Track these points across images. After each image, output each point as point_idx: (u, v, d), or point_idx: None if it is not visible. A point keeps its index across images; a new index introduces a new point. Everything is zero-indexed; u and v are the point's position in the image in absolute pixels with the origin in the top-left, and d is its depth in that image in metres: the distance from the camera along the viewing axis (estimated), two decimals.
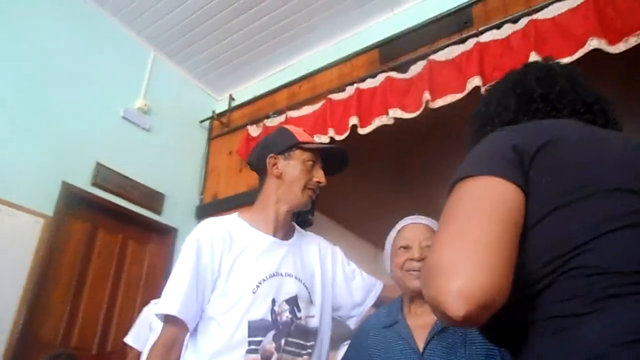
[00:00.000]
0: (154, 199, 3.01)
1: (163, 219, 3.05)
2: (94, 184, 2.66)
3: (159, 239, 3.06)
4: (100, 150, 2.74)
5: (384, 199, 4.45)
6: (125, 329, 2.39)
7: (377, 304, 1.39)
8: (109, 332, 2.62)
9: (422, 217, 1.32)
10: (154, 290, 2.70)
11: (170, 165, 3.22)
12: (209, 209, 3.22)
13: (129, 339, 2.28)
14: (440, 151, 3.73)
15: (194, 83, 3.60)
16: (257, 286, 1.16)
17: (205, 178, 3.45)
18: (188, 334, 1.17)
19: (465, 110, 2.22)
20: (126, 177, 2.85)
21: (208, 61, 3.42)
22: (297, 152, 1.27)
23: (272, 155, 1.29)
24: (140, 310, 2.45)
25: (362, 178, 4.06)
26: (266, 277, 1.18)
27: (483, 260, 0.52)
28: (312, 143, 1.28)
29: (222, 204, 3.15)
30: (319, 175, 1.25)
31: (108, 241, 2.77)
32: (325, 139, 2.63)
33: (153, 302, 2.43)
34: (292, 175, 1.25)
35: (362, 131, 2.51)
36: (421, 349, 1.16)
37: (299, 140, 1.27)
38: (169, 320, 1.14)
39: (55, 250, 2.43)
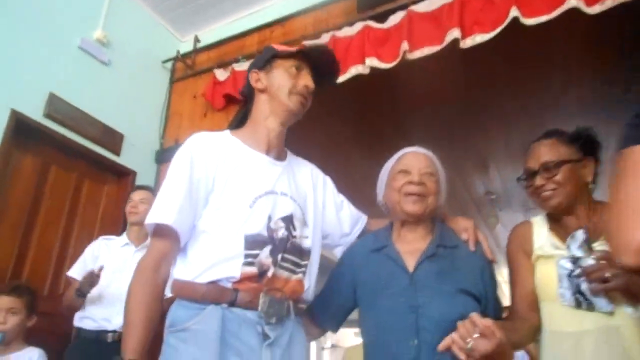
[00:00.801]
0: (112, 138, 2.86)
1: (121, 160, 2.91)
2: (47, 116, 2.48)
3: (116, 181, 2.93)
4: (53, 80, 2.55)
5: (349, 159, 4.47)
6: None
7: (361, 237, 1.42)
8: (62, 274, 2.50)
9: (422, 148, 1.34)
10: (110, 232, 2.59)
11: (130, 104, 3.05)
12: (169, 153, 3.10)
13: (73, 272, 2.18)
14: (408, 116, 3.77)
15: (158, 20, 3.39)
16: (254, 201, 1.13)
17: (167, 121, 3.30)
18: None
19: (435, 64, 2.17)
20: (82, 112, 2.68)
21: None
22: (278, 62, 1.24)
23: (253, 70, 1.25)
24: None
25: (327, 137, 4.04)
26: (262, 193, 1.15)
27: None
28: (291, 50, 1.24)
29: None
30: (306, 80, 1.22)
31: (61, 179, 2.62)
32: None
33: (102, 237, 2.34)
34: (275, 84, 1.22)
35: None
36: (412, 270, 1.18)
37: (278, 50, 1.23)
38: (160, 232, 1.10)
39: (2, 184, 2.27)
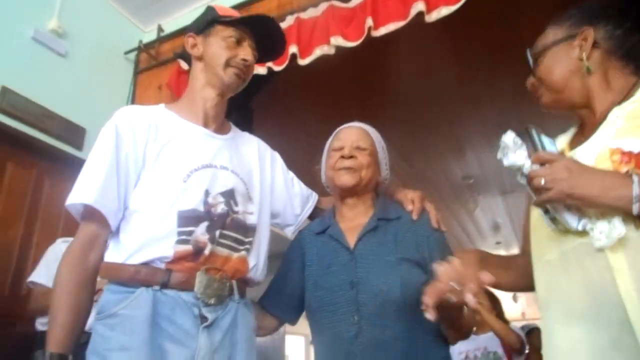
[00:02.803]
0: (73, 133, 2.74)
1: (84, 155, 2.78)
2: (0, 110, 2.35)
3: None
4: (4, 72, 2.42)
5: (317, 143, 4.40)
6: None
7: (312, 217, 1.37)
8: (24, 273, 2.38)
9: (359, 123, 1.32)
10: (75, 231, 2.48)
11: (92, 97, 2.93)
12: None
13: (37, 277, 2.08)
14: (376, 101, 3.73)
15: (118, 9, 3.27)
16: (188, 175, 1.06)
17: None
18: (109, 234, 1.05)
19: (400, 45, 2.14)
20: (40, 106, 2.56)
21: None
22: (218, 28, 1.15)
23: (190, 34, 1.17)
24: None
25: (295, 121, 3.98)
26: (198, 167, 1.08)
27: None
28: (233, 17, 1.16)
29: None
30: (245, 53, 1.15)
31: (20, 176, 2.50)
32: (262, 70, 2.50)
33: (60, 240, 2.23)
34: (212, 53, 1.14)
35: (302, 62, 2.40)
36: (352, 245, 1.16)
37: (219, 14, 1.15)
38: (86, 215, 1.02)
39: None
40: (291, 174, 1.36)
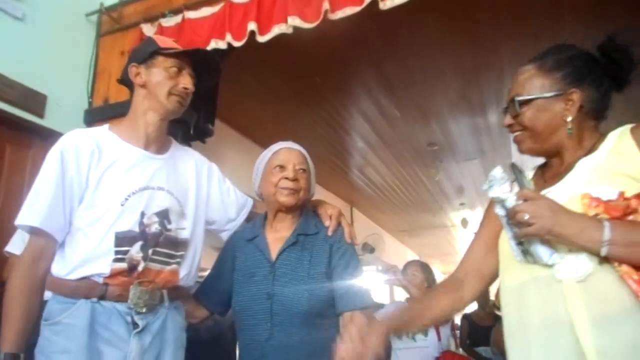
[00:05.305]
0: (33, 100, 2.74)
1: (46, 122, 2.81)
2: None
3: (42, 144, 2.83)
4: None
5: (288, 112, 4.47)
6: (8, 239, 2.29)
7: (248, 219, 1.49)
8: None
9: (295, 144, 1.44)
10: None
11: (52, 62, 2.91)
12: (98, 113, 3.02)
13: (11, 247, 2.19)
14: (346, 70, 3.77)
15: None
16: (126, 199, 1.18)
17: (95, 79, 3.18)
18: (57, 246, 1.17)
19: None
20: None
21: None
22: (160, 59, 1.25)
23: (133, 64, 1.26)
24: None
25: (266, 91, 4.02)
26: (136, 190, 1.20)
27: None
28: (173, 48, 1.25)
29: (114, 108, 2.96)
30: (185, 81, 1.25)
31: None
32: (222, 45, 2.53)
33: None
34: (154, 82, 1.24)
35: (260, 39, 2.43)
36: (274, 258, 1.31)
37: (160, 46, 1.24)
38: (34, 232, 1.14)
39: None
40: (228, 184, 1.48)
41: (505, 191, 0.95)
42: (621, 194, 0.86)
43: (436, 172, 5.42)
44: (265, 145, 1.50)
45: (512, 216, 0.92)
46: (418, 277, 2.86)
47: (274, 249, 1.34)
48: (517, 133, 1.07)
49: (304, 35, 2.41)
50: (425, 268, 2.99)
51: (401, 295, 3.79)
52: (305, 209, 1.43)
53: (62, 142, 1.18)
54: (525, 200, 0.91)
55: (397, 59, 3.65)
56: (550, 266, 0.92)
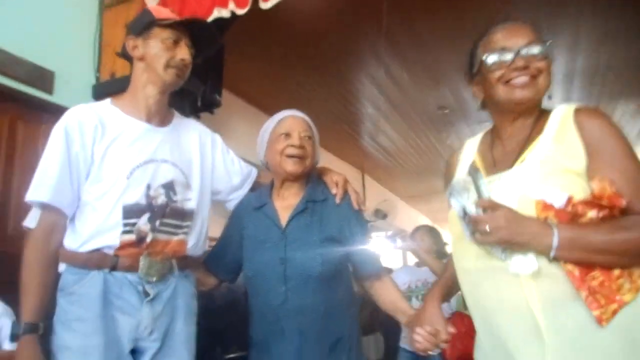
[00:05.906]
0: (41, 77, 2.76)
1: (55, 98, 2.83)
2: None
3: (53, 121, 2.83)
4: None
5: (295, 80, 4.43)
6: (27, 212, 2.35)
7: (252, 189, 1.51)
8: (8, 216, 2.55)
9: (299, 112, 1.45)
10: None
11: (58, 39, 2.91)
12: (106, 87, 3.02)
13: (30, 222, 2.26)
14: (353, 34, 3.70)
15: None
16: (132, 172, 1.20)
17: (100, 54, 3.18)
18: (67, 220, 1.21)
19: None
20: (6, 52, 2.55)
21: None
22: (156, 31, 1.24)
23: (130, 37, 1.25)
24: None
25: (272, 59, 3.98)
26: (140, 163, 1.22)
27: None
28: (169, 19, 1.24)
29: (122, 82, 2.96)
30: (182, 53, 1.24)
31: None
32: (226, 13, 2.49)
33: None
34: (152, 55, 1.24)
35: (264, 5, 2.39)
36: (284, 225, 1.33)
37: (156, 17, 1.23)
38: (44, 207, 1.17)
39: None
40: (232, 154, 1.49)
41: (464, 199, 1.03)
42: (569, 200, 0.95)
43: (447, 136, 5.36)
44: (274, 113, 1.50)
45: (473, 224, 1.00)
46: (426, 242, 2.89)
47: (284, 216, 1.36)
48: (524, 78, 1.07)
49: (307, 0, 2.37)
50: (433, 232, 3.01)
51: (412, 260, 3.84)
52: (311, 176, 1.44)
53: (65, 119, 1.20)
54: (484, 209, 0.98)
55: (404, 20, 3.56)
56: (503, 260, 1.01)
